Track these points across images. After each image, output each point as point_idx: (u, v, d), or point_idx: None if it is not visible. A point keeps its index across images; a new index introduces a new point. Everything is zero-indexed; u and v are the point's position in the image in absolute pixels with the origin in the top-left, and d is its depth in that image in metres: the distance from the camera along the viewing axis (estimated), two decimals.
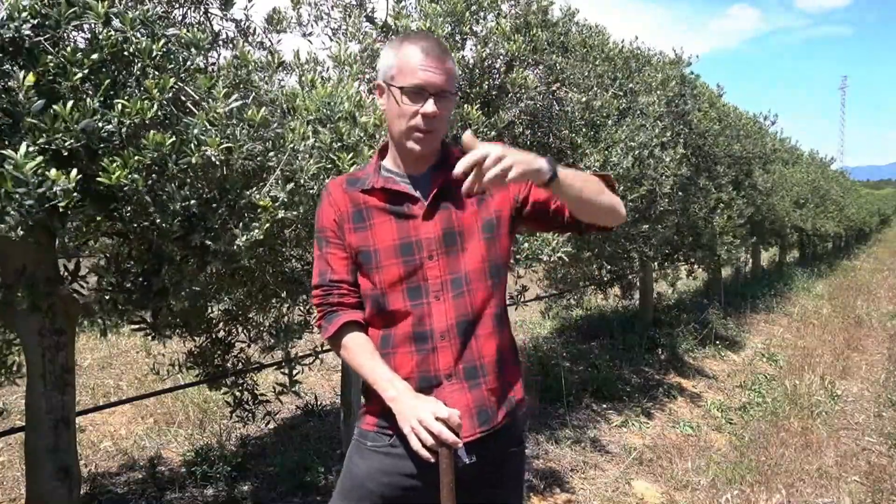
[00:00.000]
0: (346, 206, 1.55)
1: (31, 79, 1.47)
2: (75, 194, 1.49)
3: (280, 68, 2.15)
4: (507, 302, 1.70)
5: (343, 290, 1.57)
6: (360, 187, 1.55)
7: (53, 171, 1.46)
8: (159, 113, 1.67)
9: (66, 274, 2.17)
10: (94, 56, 1.61)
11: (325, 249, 1.58)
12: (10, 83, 1.51)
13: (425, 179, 1.55)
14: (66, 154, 1.56)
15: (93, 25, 1.65)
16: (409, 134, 1.49)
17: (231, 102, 1.75)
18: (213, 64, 2.20)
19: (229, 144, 1.75)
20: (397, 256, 1.51)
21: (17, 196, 1.43)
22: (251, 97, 2.00)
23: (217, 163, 1.76)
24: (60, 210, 1.53)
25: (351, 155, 2.06)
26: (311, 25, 2.95)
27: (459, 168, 1.27)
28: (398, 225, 1.52)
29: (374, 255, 1.52)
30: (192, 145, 1.71)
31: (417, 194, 1.53)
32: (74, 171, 1.50)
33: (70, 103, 1.52)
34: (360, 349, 1.54)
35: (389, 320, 1.53)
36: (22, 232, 1.45)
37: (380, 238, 1.52)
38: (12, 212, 1.44)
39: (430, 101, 1.45)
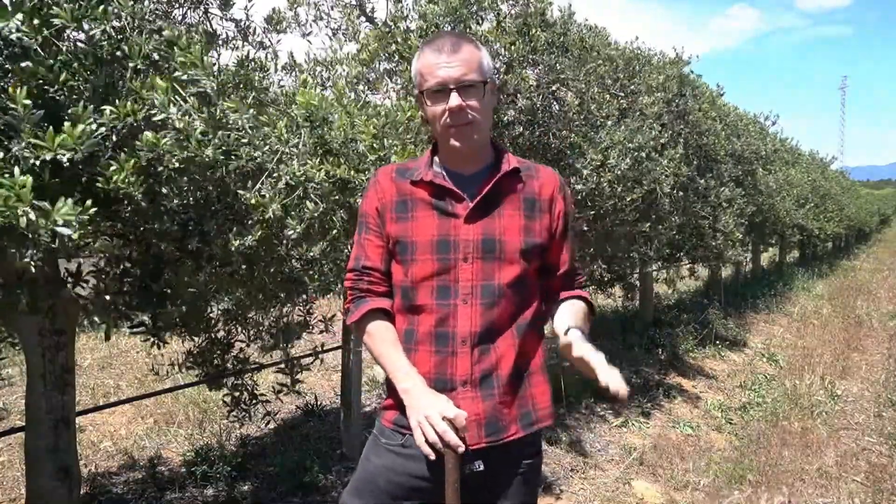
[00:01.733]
0: (392, 195, 1.55)
1: (23, 94, 1.45)
2: (85, 217, 1.48)
3: (261, 69, 2.13)
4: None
5: (374, 277, 1.58)
6: (409, 178, 1.55)
7: (69, 205, 1.44)
8: (150, 113, 1.66)
9: (66, 276, 2.17)
10: (90, 57, 1.60)
11: (362, 235, 1.59)
12: (6, 85, 1.51)
13: (475, 179, 1.54)
14: (65, 164, 1.55)
15: (91, 26, 1.65)
16: (446, 134, 1.50)
17: (174, 111, 1.70)
18: (214, 64, 2.19)
19: (187, 153, 1.72)
20: (433, 252, 1.51)
21: (35, 237, 1.42)
22: (251, 97, 1.99)
23: (178, 165, 1.72)
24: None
25: (319, 160, 2.02)
26: (311, 25, 2.95)
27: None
28: (439, 221, 1.52)
29: (411, 246, 1.52)
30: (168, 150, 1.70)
31: (464, 194, 1.52)
32: (90, 202, 1.48)
33: (80, 127, 1.50)
34: (382, 337, 1.55)
35: (415, 315, 1.54)
36: (39, 263, 1.44)
37: (419, 231, 1.52)
38: (28, 251, 1.43)
39: (453, 95, 1.45)
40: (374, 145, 2.07)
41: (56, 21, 1.56)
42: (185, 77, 1.71)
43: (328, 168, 2.00)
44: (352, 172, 2.03)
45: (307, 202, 2.00)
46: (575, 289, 1.64)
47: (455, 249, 1.50)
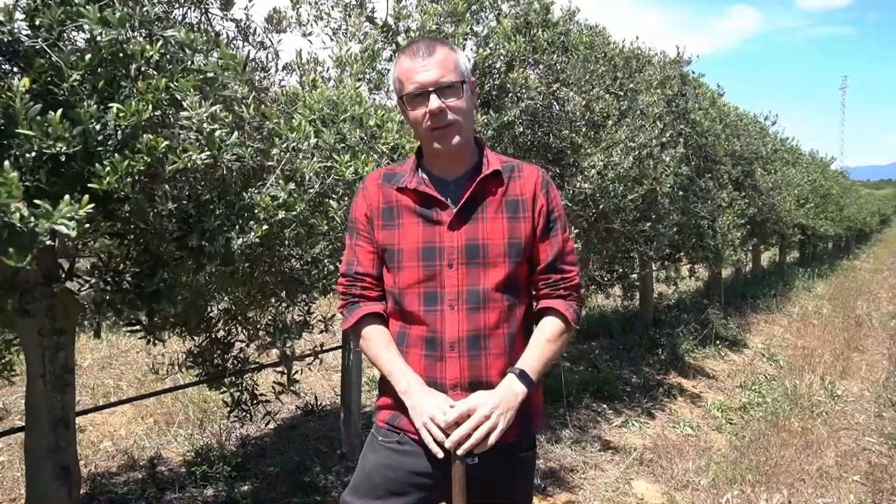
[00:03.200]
0: (378, 202, 1.58)
1: (26, 83, 1.45)
2: (83, 213, 1.45)
3: (243, 70, 2.12)
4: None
5: (366, 283, 1.61)
6: (395, 184, 1.57)
7: (67, 202, 1.41)
8: (156, 114, 1.66)
9: (63, 274, 2.17)
10: (89, 57, 1.59)
11: (354, 240, 1.63)
12: (9, 83, 1.51)
13: (458, 184, 1.55)
14: (62, 159, 1.54)
15: (90, 27, 1.65)
16: (428, 136, 1.51)
17: (202, 111, 1.70)
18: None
19: (211, 152, 1.72)
20: (418, 260, 1.53)
21: (25, 234, 1.40)
22: (251, 97, 1.99)
23: (202, 166, 1.74)
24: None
25: (349, 156, 2.05)
26: (312, 25, 2.94)
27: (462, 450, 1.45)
28: (425, 228, 1.53)
29: (397, 254, 1.54)
30: (178, 151, 1.70)
31: (448, 201, 1.53)
32: (87, 198, 1.45)
33: (59, 112, 1.49)
34: (377, 341, 1.59)
35: (406, 319, 1.57)
36: (29, 260, 1.42)
37: (405, 239, 1.54)
38: (14, 250, 1.40)
39: (433, 97, 1.46)
40: (401, 139, 2.09)
41: (83, 29, 1.56)
42: (212, 76, 1.73)
43: (358, 165, 2.01)
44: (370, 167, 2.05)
45: (330, 201, 2.02)
46: (556, 296, 1.60)
47: (440, 256, 1.52)
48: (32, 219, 1.34)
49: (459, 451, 1.44)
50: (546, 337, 1.57)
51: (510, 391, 1.48)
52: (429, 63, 1.47)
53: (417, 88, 1.47)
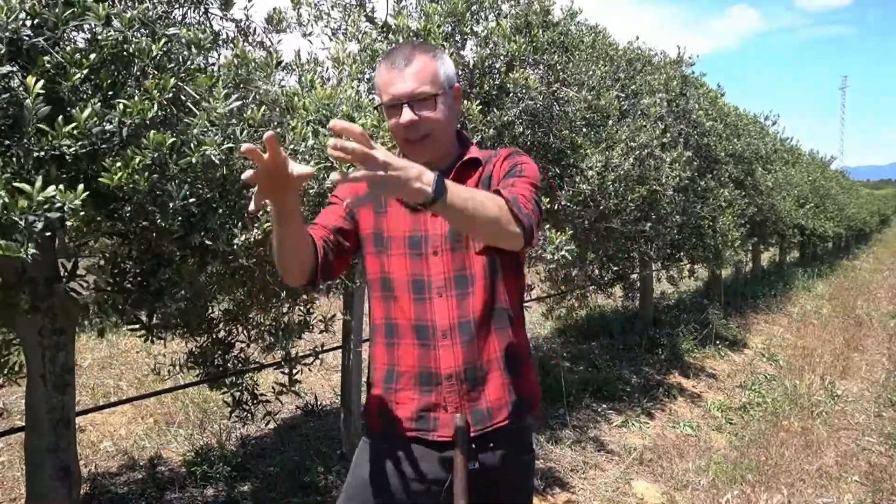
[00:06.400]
0: (366, 188, 1.54)
1: (33, 84, 1.46)
2: (77, 202, 1.47)
3: (279, 68, 2.14)
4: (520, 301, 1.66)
5: (316, 227, 1.53)
6: None
7: (60, 189, 1.43)
8: (160, 113, 1.67)
9: (64, 274, 2.17)
10: (93, 56, 1.60)
11: (325, 207, 1.63)
12: (11, 83, 1.51)
13: (443, 174, 1.55)
14: (68, 158, 1.55)
15: (93, 26, 1.65)
16: (404, 147, 1.51)
17: (231, 103, 1.75)
18: (213, 64, 2.20)
19: (230, 145, 1.75)
20: (405, 247, 1.53)
21: (26, 220, 1.40)
22: (251, 97, 2.00)
23: (217, 162, 1.76)
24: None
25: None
26: (311, 25, 2.94)
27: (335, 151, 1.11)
28: (411, 217, 1.53)
29: (386, 241, 1.55)
30: (192, 145, 1.71)
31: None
32: (81, 187, 1.47)
33: (87, 110, 1.51)
34: None
35: (395, 309, 1.55)
36: (33, 251, 1.42)
37: (393, 226, 1.54)
38: (19, 236, 1.41)
39: (406, 110, 1.45)
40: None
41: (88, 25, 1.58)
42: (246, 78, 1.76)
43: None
44: None
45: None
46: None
47: (425, 244, 1.52)
48: (21, 203, 1.34)
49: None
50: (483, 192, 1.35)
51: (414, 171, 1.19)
52: (405, 74, 1.45)
53: (392, 100, 1.46)
